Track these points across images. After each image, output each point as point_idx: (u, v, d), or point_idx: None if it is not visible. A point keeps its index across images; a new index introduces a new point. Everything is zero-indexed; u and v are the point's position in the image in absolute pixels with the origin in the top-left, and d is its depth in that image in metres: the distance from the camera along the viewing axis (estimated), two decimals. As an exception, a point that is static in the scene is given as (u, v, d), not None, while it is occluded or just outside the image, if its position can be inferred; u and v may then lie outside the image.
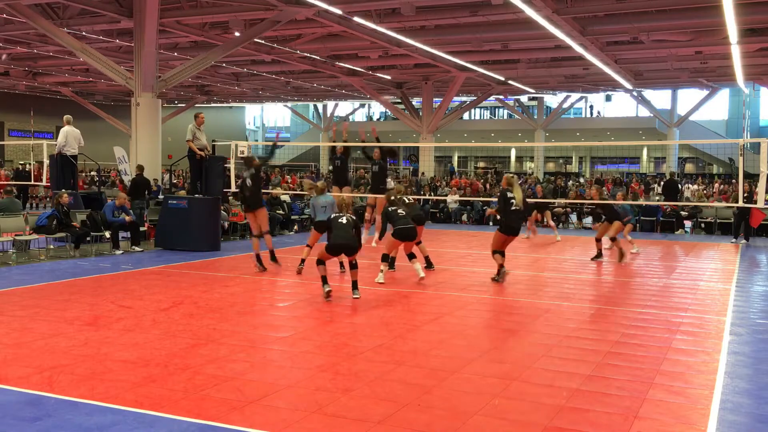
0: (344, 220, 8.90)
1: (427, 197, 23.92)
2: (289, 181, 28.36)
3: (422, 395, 5.14)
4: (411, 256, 10.51)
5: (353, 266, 8.90)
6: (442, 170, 46.37)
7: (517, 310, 8.50)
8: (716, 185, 27.05)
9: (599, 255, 13.25)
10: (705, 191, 25.18)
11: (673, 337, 7.14)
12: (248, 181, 11.30)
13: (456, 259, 13.36)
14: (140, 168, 17.25)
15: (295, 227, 18.42)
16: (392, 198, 10.66)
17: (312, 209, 10.92)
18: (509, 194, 10.17)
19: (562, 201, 21.04)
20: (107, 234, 13.27)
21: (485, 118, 54.97)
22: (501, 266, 10.25)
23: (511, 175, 11.03)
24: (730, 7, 15.11)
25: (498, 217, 10.81)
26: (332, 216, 9.11)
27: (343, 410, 4.81)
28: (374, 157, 13.87)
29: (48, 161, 15.90)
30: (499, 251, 10.28)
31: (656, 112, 41.31)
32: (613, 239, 13.14)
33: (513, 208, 10.13)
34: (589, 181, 31.23)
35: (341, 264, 10.92)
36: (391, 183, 16.44)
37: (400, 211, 10.31)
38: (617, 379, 5.63)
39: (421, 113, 31.87)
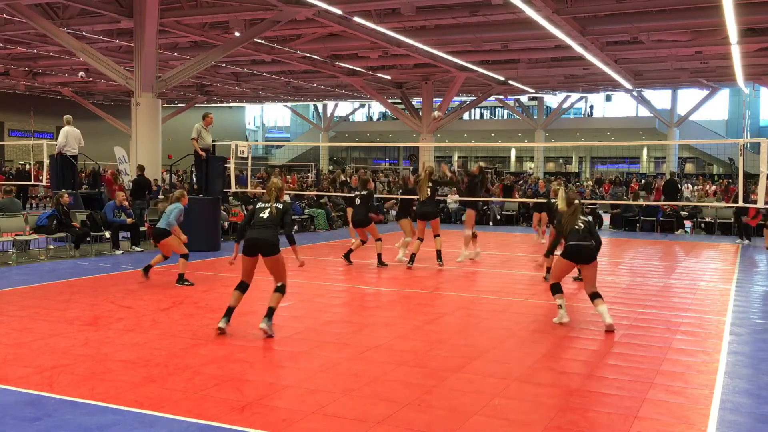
0: (266, 214, 6.88)
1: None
2: (290, 181, 28.40)
3: (422, 395, 5.14)
4: (595, 296, 7.45)
5: (277, 288, 6.90)
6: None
7: (517, 310, 8.49)
8: (714, 187, 27.02)
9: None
10: (705, 190, 25.17)
11: (673, 337, 7.14)
12: (357, 200, 12.37)
13: (456, 259, 13.34)
14: (141, 168, 17.26)
15: (295, 227, 18.44)
16: (576, 201, 7.79)
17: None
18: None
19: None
20: (107, 234, 13.27)
21: (485, 118, 54.96)
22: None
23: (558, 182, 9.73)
24: (730, 7, 15.11)
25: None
26: (257, 206, 7.12)
27: (343, 410, 4.81)
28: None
29: (48, 161, 15.90)
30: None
31: (656, 112, 41.30)
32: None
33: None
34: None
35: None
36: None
37: (579, 224, 7.54)
38: (617, 379, 5.63)
39: (421, 113, 31.85)
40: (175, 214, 9.93)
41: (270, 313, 6.86)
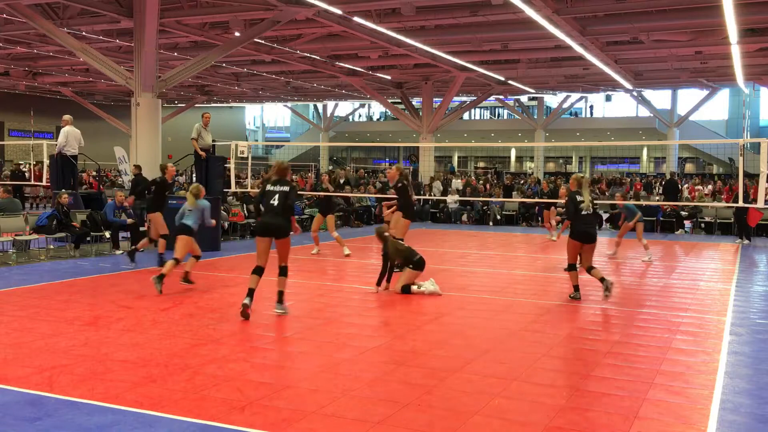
0: (276, 200, 7.59)
1: (427, 197, 23.94)
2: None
3: (422, 395, 5.14)
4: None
5: (281, 271, 7.71)
6: (442, 170, 46.43)
7: (517, 310, 8.49)
8: (710, 187, 27.03)
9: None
10: (704, 190, 25.18)
11: (673, 337, 7.14)
12: None
13: (456, 259, 13.35)
14: (138, 168, 17.25)
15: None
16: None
17: (180, 212, 9.88)
18: (578, 197, 9.08)
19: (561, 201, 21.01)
20: (107, 234, 13.27)
21: (485, 118, 54.99)
22: (575, 286, 9.13)
23: (581, 175, 9.77)
24: (730, 7, 15.11)
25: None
26: (266, 188, 7.79)
27: (343, 410, 4.81)
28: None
29: (48, 161, 15.90)
30: (574, 266, 9.09)
31: (656, 112, 41.29)
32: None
33: (583, 212, 8.98)
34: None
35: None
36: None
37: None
38: (617, 379, 5.63)
39: (421, 113, 31.86)
40: (206, 213, 9.82)
41: (280, 297, 7.75)
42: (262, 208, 7.75)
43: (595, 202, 9.27)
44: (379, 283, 9.41)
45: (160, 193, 11.43)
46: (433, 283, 9.43)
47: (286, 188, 7.69)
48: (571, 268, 9.12)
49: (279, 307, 7.80)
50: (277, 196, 7.61)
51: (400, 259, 9.54)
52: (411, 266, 9.41)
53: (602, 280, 8.86)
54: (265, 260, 7.72)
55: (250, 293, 7.59)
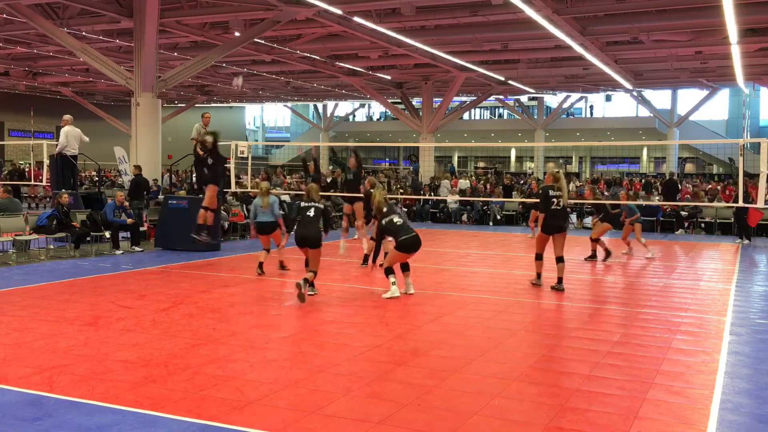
0: (311, 212, 8.89)
1: (427, 197, 23.96)
2: (290, 181, 28.40)
3: (422, 395, 5.14)
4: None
5: (310, 271, 8.77)
6: (442, 170, 46.44)
7: (518, 310, 8.49)
8: (708, 186, 27.02)
9: (593, 256, 13.23)
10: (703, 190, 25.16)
11: (673, 337, 7.14)
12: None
13: (456, 259, 13.36)
14: (138, 168, 17.27)
15: (295, 227, 18.36)
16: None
17: (253, 210, 10.76)
18: (551, 192, 9.53)
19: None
20: (107, 234, 13.27)
21: (485, 118, 54.96)
22: (538, 274, 9.95)
23: (557, 170, 9.95)
24: (730, 7, 15.11)
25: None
26: (301, 204, 9.07)
27: (343, 410, 4.81)
28: (349, 166, 12.97)
29: (48, 161, 15.90)
30: (541, 255, 9.85)
31: (656, 112, 41.29)
32: (595, 240, 13.11)
33: (554, 207, 9.47)
34: (588, 181, 31.42)
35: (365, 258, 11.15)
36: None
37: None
38: (617, 379, 5.63)
39: (421, 113, 31.86)
40: (278, 206, 10.74)
41: (305, 281, 8.52)
42: (298, 221, 8.94)
43: (569, 199, 9.87)
44: (365, 262, 9.55)
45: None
46: (394, 293, 8.94)
47: (321, 205, 9.00)
48: (538, 257, 9.87)
49: (303, 282, 8.49)
50: (312, 209, 8.89)
51: (379, 215, 9.27)
52: (395, 247, 9.02)
53: (559, 280, 9.64)
54: None
55: (305, 280, 8.56)
